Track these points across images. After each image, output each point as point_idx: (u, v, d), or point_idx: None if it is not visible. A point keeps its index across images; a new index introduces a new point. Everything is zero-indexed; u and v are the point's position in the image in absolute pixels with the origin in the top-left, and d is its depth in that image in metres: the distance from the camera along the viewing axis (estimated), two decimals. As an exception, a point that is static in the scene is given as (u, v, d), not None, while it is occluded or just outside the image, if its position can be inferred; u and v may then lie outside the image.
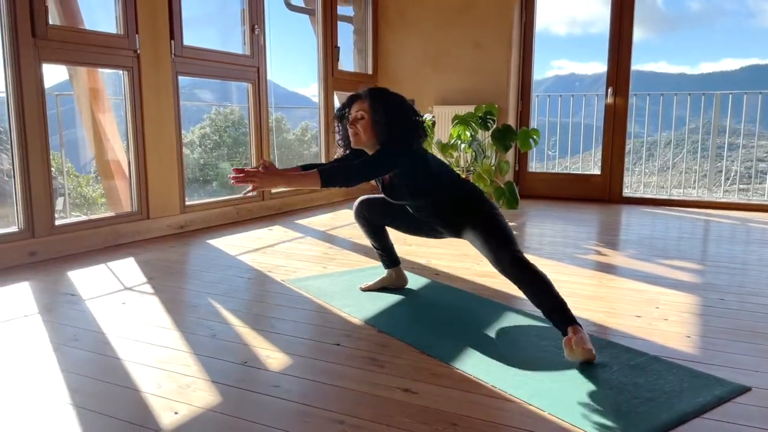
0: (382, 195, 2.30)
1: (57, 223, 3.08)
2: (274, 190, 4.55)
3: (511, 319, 2.14)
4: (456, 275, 2.77)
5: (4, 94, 2.91)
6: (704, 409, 1.48)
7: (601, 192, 5.17)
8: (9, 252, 2.85)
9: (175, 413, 1.45)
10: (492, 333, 2.01)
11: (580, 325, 1.77)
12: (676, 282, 2.65)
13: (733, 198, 5.40)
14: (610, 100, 5.04)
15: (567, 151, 6.66)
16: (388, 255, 2.47)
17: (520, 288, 1.89)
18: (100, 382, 1.64)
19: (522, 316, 2.17)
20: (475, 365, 1.73)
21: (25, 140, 2.88)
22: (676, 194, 5.63)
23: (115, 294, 2.45)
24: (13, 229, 2.93)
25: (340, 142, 2.22)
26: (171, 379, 1.64)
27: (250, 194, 1.95)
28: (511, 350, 1.86)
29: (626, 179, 5.26)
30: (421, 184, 2.10)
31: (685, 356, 1.82)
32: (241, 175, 1.90)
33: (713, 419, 1.44)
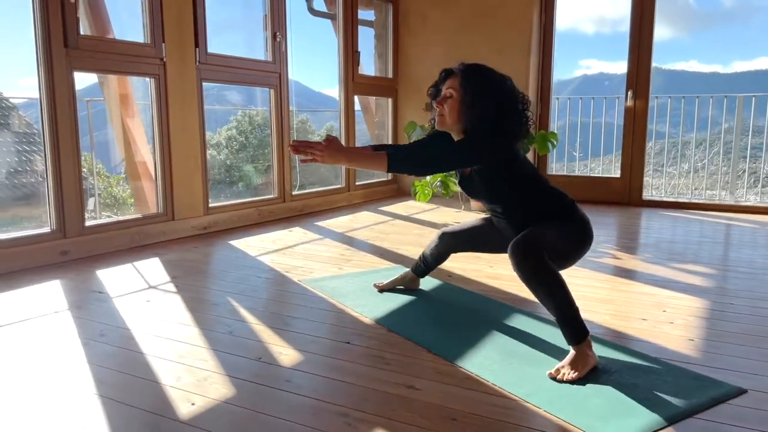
0: (465, 226, 2.29)
1: (87, 223, 3.23)
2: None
3: (518, 321, 2.19)
4: (468, 277, 2.84)
5: (38, 100, 3.07)
6: (697, 410, 1.52)
7: (621, 195, 5.17)
8: (42, 251, 3.00)
9: (192, 404, 1.55)
10: (498, 333, 2.07)
11: (583, 344, 1.73)
12: (686, 286, 2.68)
13: (757, 201, 5.34)
14: (630, 102, 5.03)
15: (588, 154, 6.66)
16: (425, 268, 2.50)
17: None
18: (123, 374, 1.75)
19: (529, 317, 2.22)
20: (478, 364, 1.80)
21: (57, 144, 3.03)
22: (698, 198, 5.58)
23: (140, 292, 2.58)
24: (46, 229, 3.09)
25: (431, 121, 2.01)
26: (189, 373, 1.75)
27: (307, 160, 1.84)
28: (515, 350, 1.92)
29: (655, 181, 5.23)
30: (507, 189, 1.89)
31: (685, 359, 1.86)
32: (302, 146, 1.79)
33: (705, 419, 1.49)
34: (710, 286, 2.68)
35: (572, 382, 1.65)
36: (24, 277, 2.77)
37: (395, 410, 1.52)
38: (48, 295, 2.52)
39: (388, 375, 1.75)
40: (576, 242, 1.87)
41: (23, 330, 2.11)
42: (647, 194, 5.36)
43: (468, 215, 4.60)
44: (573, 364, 1.70)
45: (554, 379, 1.69)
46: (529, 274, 1.73)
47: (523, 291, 2.15)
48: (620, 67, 5.23)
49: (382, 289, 2.56)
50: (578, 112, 6.02)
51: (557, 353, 1.86)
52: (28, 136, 6.46)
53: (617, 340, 2.01)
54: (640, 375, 1.72)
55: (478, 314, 2.30)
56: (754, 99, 5.31)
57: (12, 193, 5.54)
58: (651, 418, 1.48)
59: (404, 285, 2.58)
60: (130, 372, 1.76)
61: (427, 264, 2.48)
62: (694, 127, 5.83)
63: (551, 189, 1.96)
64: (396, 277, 2.59)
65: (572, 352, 1.74)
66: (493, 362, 1.82)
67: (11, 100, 6.53)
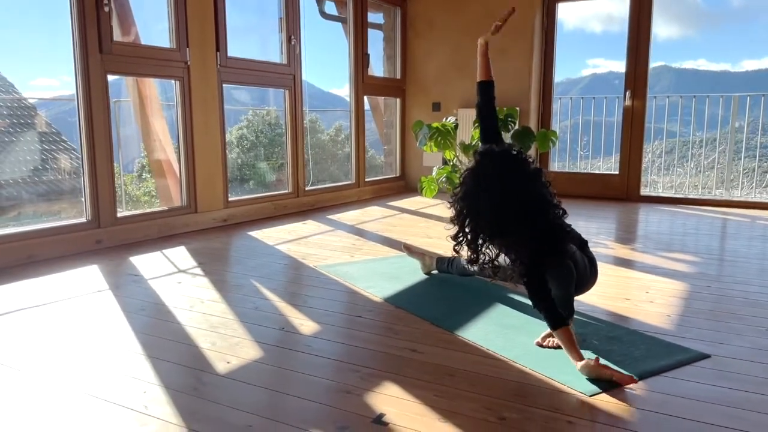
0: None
1: (119, 215, 3.51)
2: (308, 187, 4.92)
3: (514, 300, 2.44)
4: (470, 264, 3.08)
5: (74, 101, 3.34)
6: (664, 370, 1.76)
7: (620, 191, 5.39)
8: (79, 240, 3.28)
9: (228, 362, 1.81)
10: (495, 310, 2.32)
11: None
12: (670, 271, 2.91)
13: (750, 197, 5.54)
14: (628, 102, 5.25)
15: (590, 152, 6.86)
16: (446, 272, 2.73)
17: None
18: (165, 340, 2.01)
19: (525, 297, 2.46)
20: (474, 333, 2.05)
21: (93, 142, 3.30)
22: (694, 193, 5.79)
23: (171, 275, 2.84)
24: (82, 220, 3.36)
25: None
26: (222, 339, 2.01)
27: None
28: (509, 323, 2.16)
29: (663, 179, 5.42)
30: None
31: (660, 331, 2.10)
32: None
33: (669, 377, 1.73)
34: (692, 272, 2.91)
35: (555, 348, 1.89)
36: (64, 262, 3.04)
37: (401, 368, 1.78)
38: (88, 278, 2.79)
39: (395, 341, 2.00)
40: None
41: (73, 305, 2.38)
42: (646, 191, 5.58)
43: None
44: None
45: (541, 345, 1.93)
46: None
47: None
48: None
49: (409, 249, 2.83)
50: (580, 112, 6.22)
51: (543, 323, 2.09)
52: (47, 136, 6.76)
53: (602, 317, 2.25)
54: (618, 343, 1.96)
55: (479, 294, 2.54)
56: (762, 98, 5.48)
57: (34, 190, 5.84)
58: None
59: (423, 264, 2.81)
60: (171, 338, 2.03)
61: (451, 273, 2.70)
62: (704, 126, 6.00)
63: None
64: (425, 253, 2.83)
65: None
66: (488, 332, 2.07)
67: (29, 100, 6.82)
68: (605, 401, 1.57)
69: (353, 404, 1.55)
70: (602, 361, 1.72)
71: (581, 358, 1.71)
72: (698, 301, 2.45)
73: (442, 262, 2.74)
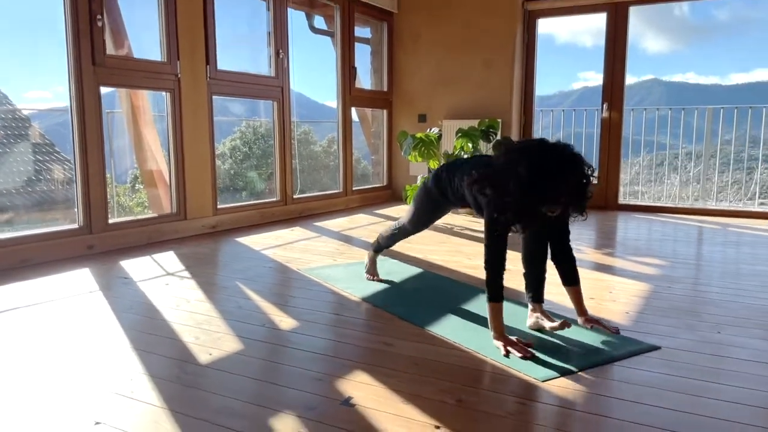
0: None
1: (110, 221, 3.63)
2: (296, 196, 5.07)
3: (480, 297, 2.56)
4: (447, 267, 3.22)
5: (67, 113, 3.48)
6: (616, 359, 1.90)
7: (599, 199, 5.55)
8: (71, 245, 3.40)
9: (210, 354, 1.94)
10: (463, 307, 2.45)
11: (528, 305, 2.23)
12: (635, 274, 3.06)
13: (723, 205, 5.72)
14: (605, 114, 5.44)
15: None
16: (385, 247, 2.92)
17: None
18: (151, 335, 2.14)
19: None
20: (442, 327, 2.19)
21: (85, 151, 3.43)
22: (670, 202, 5.96)
23: (159, 278, 2.97)
24: (74, 226, 3.48)
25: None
26: (206, 334, 2.13)
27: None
28: (476, 318, 2.30)
29: (649, 189, 5.57)
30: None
31: (619, 326, 2.24)
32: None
33: (620, 365, 1.87)
34: (657, 274, 3.06)
35: (560, 328, 2.09)
36: (57, 266, 3.16)
37: (374, 358, 1.91)
38: (80, 280, 2.91)
39: (369, 336, 2.13)
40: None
41: (64, 305, 2.50)
42: (630, 200, 5.76)
43: (455, 218, 5.00)
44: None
45: (542, 329, 2.15)
46: None
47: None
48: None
49: (376, 279, 2.92)
50: (571, 124, 6.36)
51: (507, 319, 2.24)
52: (40, 147, 6.88)
53: (565, 314, 2.39)
54: (577, 336, 2.10)
55: (447, 293, 2.68)
56: (750, 111, 5.66)
57: (27, 200, 5.95)
58: (576, 363, 1.86)
59: (374, 265, 2.93)
60: (157, 333, 2.15)
61: (381, 246, 2.88)
62: (693, 139, 6.15)
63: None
64: (369, 265, 2.93)
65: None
66: (455, 327, 2.20)
67: (23, 112, 6.94)
68: (557, 386, 1.71)
69: (324, 389, 1.69)
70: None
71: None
72: (658, 300, 2.59)
73: (374, 244, 2.91)
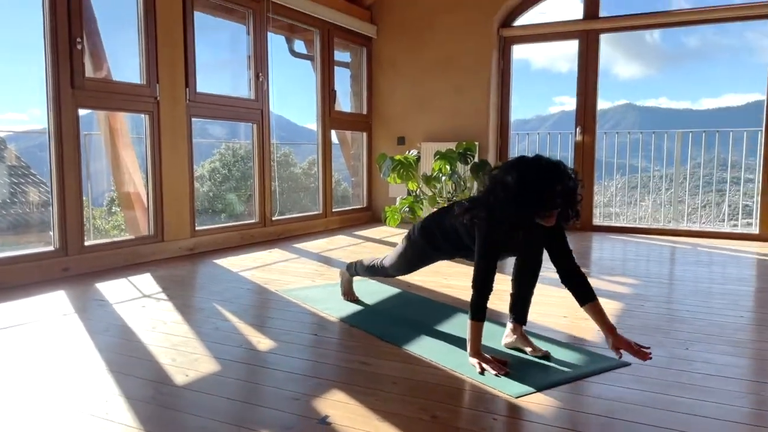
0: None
1: (86, 243, 3.60)
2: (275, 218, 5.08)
3: (459, 318, 2.61)
4: (425, 287, 3.25)
5: (44, 135, 3.47)
6: (587, 375, 1.95)
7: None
8: (46, 267, 3.36)
9: (186, 375, 1.94)
10: (439, 326, 2.48)
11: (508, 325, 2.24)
12: (609, 293, 3.12)
13: (695, 226, 5.87)
14: (578, 137, 5.57)
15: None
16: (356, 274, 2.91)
17: None
18: (127, 356, 2.13)
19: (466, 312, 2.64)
20: (419, 346, 2.21)
21: (62, 173, 3.42)
22: (644, 223, 6.10)
23: (136, 300, 2.95)
24: (50, 248, 3.45)
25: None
26: (182, 356, 2.13)
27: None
28: (452, 337, 2.33)
29: (624, 211, 5.70)
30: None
31: (591, 344, 2.29)
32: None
33: (592, 381, 1.91)
34: (630, 293, 3.13)
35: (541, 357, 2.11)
36: (31, 289, 3.12)
37: (351, 378, 1.92)
38: (55, 302, 2.88)
39: (346, 356, 2.15)
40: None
41: (40, 327, 2.47)
42: (608, 221, 5.87)
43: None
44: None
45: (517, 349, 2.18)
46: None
47: (465, 295, 2.55)
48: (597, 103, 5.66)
49: (353, 299, 2.93)
50: (537, 147, 6.51)
51: (487, 341, 2.27)
52: (16, 169, 6.81)
53: (540, 332, 2.43)
54: (551, 352, 2.14)
55: (427, 313, 2.71)
56: (717, 134, 5.84)
57: (1, 222, 5.87)
58: (549, 379, 1.89)
59: (350, 286, 2.94)
60: (133, 355, 2.14)
61: (359, 274, 2.86)
62: (665, 162, 6.31)
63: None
64: (345, 286, 2.94)
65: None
66: (432, 346, 2.23)
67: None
68: (531, 402, 1.74)
69: (301, 408, 1.69)
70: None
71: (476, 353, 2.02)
72: (630, 318, 2.65)
73: (350, 267, 2.88)
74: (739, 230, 5.62)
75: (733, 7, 5.13)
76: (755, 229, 5.14)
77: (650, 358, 1.95)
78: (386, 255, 2.64)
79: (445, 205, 2.59)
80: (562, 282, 2.14)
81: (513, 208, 1.93)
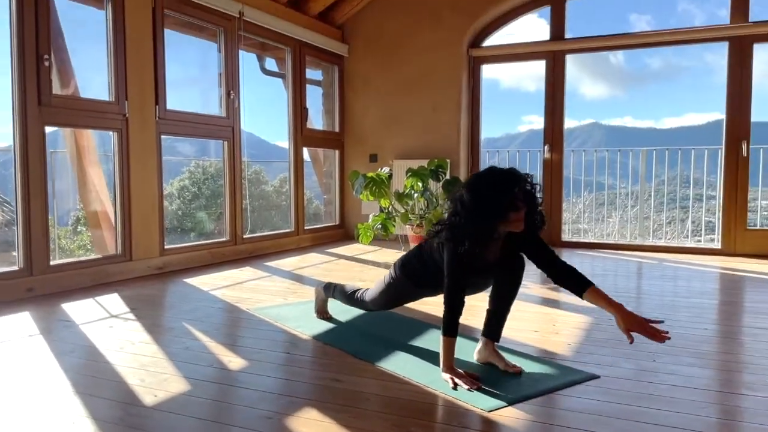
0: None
1: (52, 263, 3.52)
2: (245, 236, 5.04)
3: (431, 334, 2.62)
4: (397, 304, 3.25)
5: (10, 152, 3.40)
6: (558, 388, 1.97)
7: (542, 236, 5.73)
8: (10, 288, 3.27)
9: (155, 396, 1.90)
10: (412, 342, 2.49)
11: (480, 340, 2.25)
12: (578, 307, 3.17)
13: (660, 242, 6.02)
14: (547, 155, 5.69)
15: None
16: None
17: None
18: (94, 378, 2.08)
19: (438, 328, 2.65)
20: (392, 362, 2.21)
21: (28, 192, 3.35)
22: (612, 239, 6.23)
23: (103, 320, 2.89)
24: (14, 268, 3.36)
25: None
26: (151, 376, 2.09)
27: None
28: (425, 353, 2.33)
29: (591, 227, 5.82)
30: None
31: (560, 357, 2.32)
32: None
33: (561, 394, 1.94)
34: (598, 308, 3.18)
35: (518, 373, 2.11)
36: (-7, 310, 3.03)
37: (324, 395, 1.92)
38: (19, 323, 2.80)
39: (318, 373, 2.14)
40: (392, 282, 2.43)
41: (4, 349, 2.40)
42: (577, 237, 5.98)
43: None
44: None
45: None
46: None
47: (438, 311, 2.57)
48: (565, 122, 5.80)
49: (327, 317, 2.91)
50: (507, 164, 6.62)
51: (459, 355, 2.28)
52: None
53: (511, 346, 2.46)
54: (522, 366, 2.17)
55: (400, 330, 2.71)
56: (679, 152, 6.02)
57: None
58: (520, 393, 1.91)
59: (325, 305, 2.93)
60: (100, 376, 2.09)
61: (335, 298, 2.80)
62: (631, 179, 6.47)
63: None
64: (320, 305, 2.92)
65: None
66: (405, 362, 2.24)
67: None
68: (503, 415, 1.76)
69: (274, 427, 1.68)
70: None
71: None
72: (598, 331, 2.70)
73: (327, 288, 2.84)
74: (702, 245, 5.77)
75: (692, 30, 5.34)
76: (717, 245, 5.30)
77: (669, 338, 1.87)
78: (368, 289, 2.59)
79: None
80: (556, 283, 2.17)
81: (471, 224, 1.97)
